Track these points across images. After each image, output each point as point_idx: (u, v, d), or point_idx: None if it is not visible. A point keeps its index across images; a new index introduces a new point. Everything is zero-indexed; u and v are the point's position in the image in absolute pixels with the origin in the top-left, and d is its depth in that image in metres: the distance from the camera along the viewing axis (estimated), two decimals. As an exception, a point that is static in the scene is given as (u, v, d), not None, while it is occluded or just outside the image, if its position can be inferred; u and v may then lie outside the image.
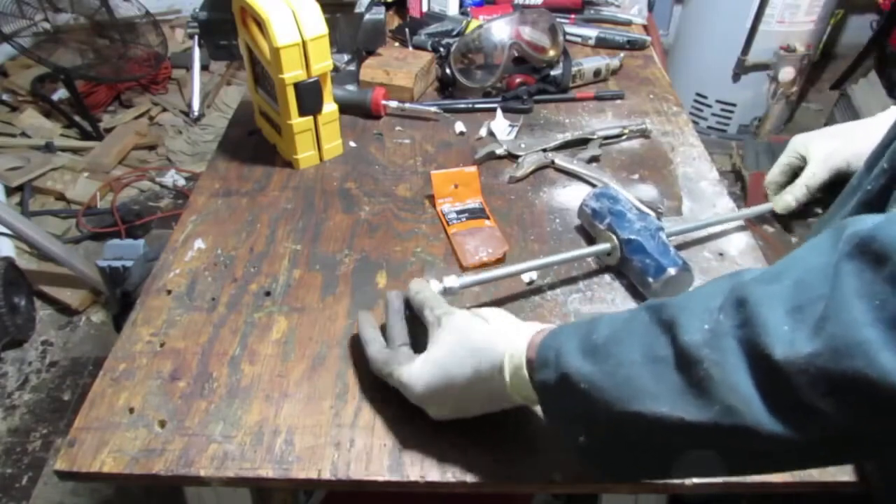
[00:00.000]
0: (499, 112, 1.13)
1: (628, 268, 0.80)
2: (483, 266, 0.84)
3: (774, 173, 0.91)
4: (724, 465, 0.46)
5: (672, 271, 0.75)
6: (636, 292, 0.80)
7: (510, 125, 1.11)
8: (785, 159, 0.89)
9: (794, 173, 0.89)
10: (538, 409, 0.54)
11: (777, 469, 0.51)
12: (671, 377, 0.43)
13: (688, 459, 0.46)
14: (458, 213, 0.92)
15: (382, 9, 1.22)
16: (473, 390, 0.58)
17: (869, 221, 0.40)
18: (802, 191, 0.85)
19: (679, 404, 0.42)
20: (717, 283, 0.45)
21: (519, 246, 0.88)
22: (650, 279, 0.76)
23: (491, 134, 1.10)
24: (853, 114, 2.44)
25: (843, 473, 0.61)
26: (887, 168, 0.64)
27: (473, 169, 0.96)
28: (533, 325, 0.57)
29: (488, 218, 0.92)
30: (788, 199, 0.86)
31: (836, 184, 0.83)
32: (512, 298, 0.79)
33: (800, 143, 0.88)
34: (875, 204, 0.65)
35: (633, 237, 0.79)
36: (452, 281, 0.73)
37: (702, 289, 0.46)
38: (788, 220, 0.89)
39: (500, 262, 0.85)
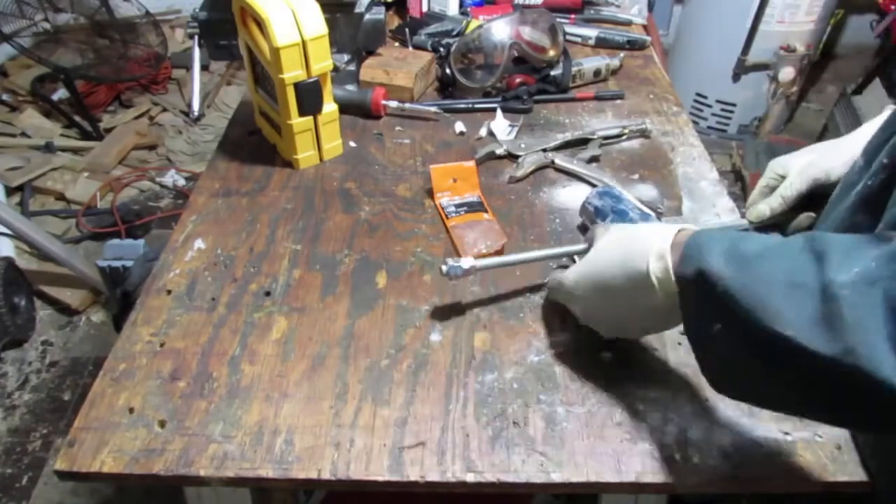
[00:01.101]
0: (499, 112, 1.13)
1: None
2: (483, 258, 0.84)
3: (754, 195, 0.90)
4: (823, 407, 0.48)
5: None
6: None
7: (510, 125, 1.11)
8: (764, 181, 0.89)
9: None
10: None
11: (876, 427, 0.52)
12: (807, 306, 0.44)
13: (795, 389, 0.47)
14: (457, 206, 0.92)
15: (382, 9, 1.22)
16: (620, 284, 0.61)
17: None
18: (777, 200, 0.85)
19: (805, 332, 0.44)
20: (882, 234, 0.47)
21: (519, 246, 0.88)
22: None
23: (491, 134, 1.10)
24: (853, 114, 2.44)
25: (843, 473, 0.61)
26: (887, 163, 0.64)
27: (472, 163, 0.96)
28: (677, 226, 0.59)
29: (486, 211, 0.92)
30: (762, 207, 0.86)
31: (816, 196, 0.83)
32: (512, 296, 0.80)
33: (777, 164, 0.88)
34: (875, 200, 0.65)
35: None
36: (468, 262, 0.73)
37: (862, 235, 0.47)
38: (766, 230, 0.89)
39: (498, 253, 0.85)
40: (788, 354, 0.45)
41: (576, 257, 0.74)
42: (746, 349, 0.49)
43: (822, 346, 0.43)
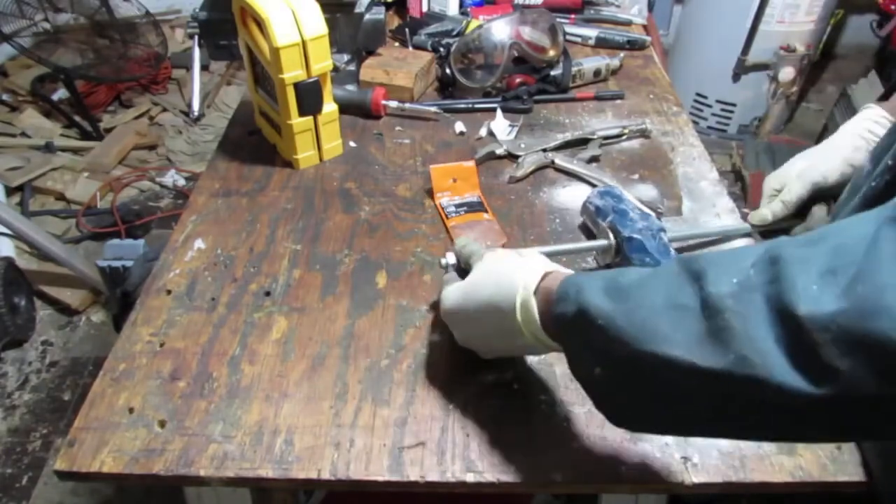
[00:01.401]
0: (499, 112, 1.13)
1: (628, 266, 0.80)
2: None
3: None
4: (727, 424, 0.46)
5: None
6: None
7: (510, 125, 1.11)
8: (765, 200, 0.90)
9: None
10: (543, 354, 0.59)
11: (784, 433, 0.49)
12: (690, 324, 0.43)
13: (694, 412, 0.46)
14: (457, 206, 0.92)
15: (382, 9, 1.22)
16: (487, 317, 0.61)
17: None
18: (778, 206, 0.86)
19: (694, 350, 0.43)
20: (753, 246, 0.46)
21: (518, 246, 0.88)
22: None
23: (491, 134, 1.10)
24: (853, 114, 2.44)
25: (843, 473, 0.61)
26: (892, 164, 0.64)
27: (472, 163, 0.96)
28: (554, 266, 0.59)
29: (486, 211, 0.92)
30: (765, 212, 0.87)
31: (818, 198, 0.84)
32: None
33: (774, 179, 0.89)
34: (880, 200, 0.65)
35: (634, 236, 0.79)
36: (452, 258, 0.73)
37: (736, 248, 0.48)
38: (770, 234, 0.90)
39: None
40: (681, 376, 0.44)
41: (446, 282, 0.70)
42: (636, 380, 0.48)
43: (714, 360, 0.42)
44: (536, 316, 0.55)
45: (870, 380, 0.37)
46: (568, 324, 0.51)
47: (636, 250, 0.78)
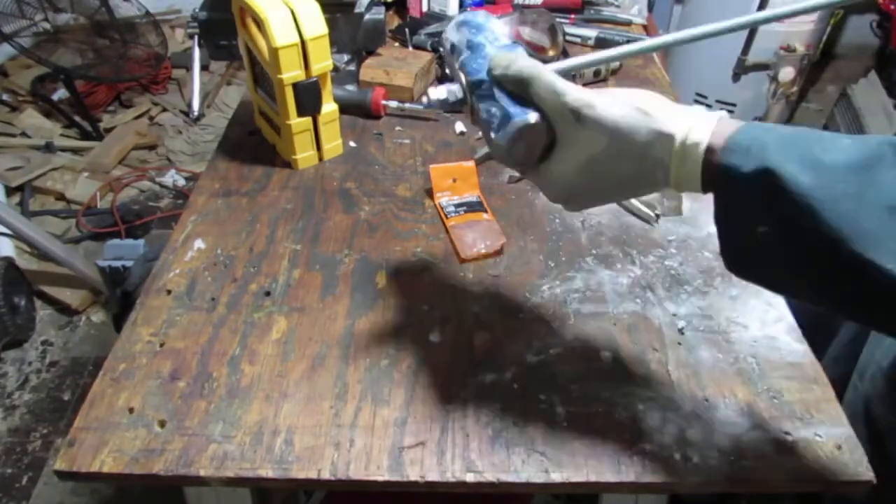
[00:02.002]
0: (499, 112, 1.13)
1: (479, 126, 0.60)
2: (482, 258, 0.84)
3: None
4: (856, 308, 0.44)
5: (521, 122, 0.54)
6: (638, 294, 0.80)
7: (510, 125, 1.11)
8: None
9: None
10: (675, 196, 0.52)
11: None
12: None
13: (830, 293, 0.44)
14: (457, 206, 0.92)
15: (382, 9, 1.22)
16: (615, 166, 0.53)
17: None
18: None
19: None
20: None
21: (518, 246, 0.88)
22: (492, 135, 0.56)
23: (491, 134, 1.10)
24: (853, 114, 2.44)
25: (843, 473, 0.61)
26: None
27: (471, 163, 0.96)
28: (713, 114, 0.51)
29: (486, 211, 0.92)
30: None
31: None
32: (512, 296, 0.80)
33: None
34: None
35: (483, 78, 0.57)
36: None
37: None
38: None
39: (497, 254, 0.85)
40: (868, 279, 0.40)
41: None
42: (806, 258, 0.43)
43: None
44: (699, 164, 0.48)
45: None
46: (739, 179, 0.46)
47: (482, 99, 0.57)
